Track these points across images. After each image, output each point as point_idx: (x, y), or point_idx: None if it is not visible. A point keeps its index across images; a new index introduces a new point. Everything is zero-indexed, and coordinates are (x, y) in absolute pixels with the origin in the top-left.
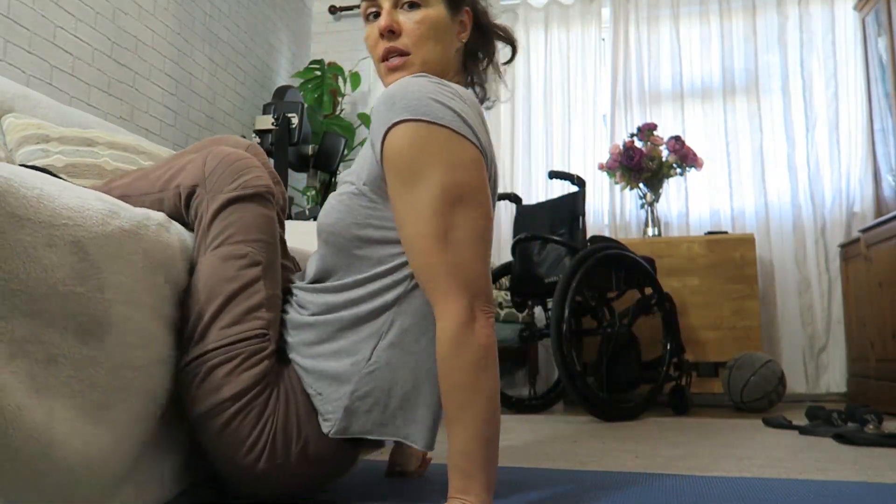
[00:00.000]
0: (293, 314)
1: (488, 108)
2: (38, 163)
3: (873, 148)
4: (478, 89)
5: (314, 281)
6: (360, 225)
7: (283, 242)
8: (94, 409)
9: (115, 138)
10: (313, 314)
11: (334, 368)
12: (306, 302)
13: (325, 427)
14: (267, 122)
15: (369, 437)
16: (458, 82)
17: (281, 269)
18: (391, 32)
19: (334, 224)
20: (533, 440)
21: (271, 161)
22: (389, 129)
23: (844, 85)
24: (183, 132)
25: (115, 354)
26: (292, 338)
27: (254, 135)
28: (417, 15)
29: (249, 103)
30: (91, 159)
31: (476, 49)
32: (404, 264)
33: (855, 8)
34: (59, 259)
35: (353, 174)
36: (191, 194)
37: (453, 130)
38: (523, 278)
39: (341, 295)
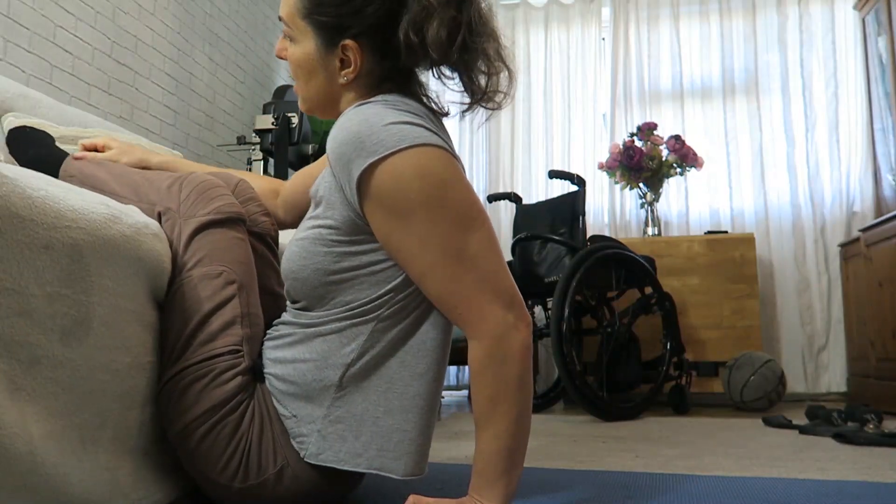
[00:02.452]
0: (281, 330)
1: (446, 115)
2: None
3: (873, 147)
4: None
5: (291, 300)
6: (327, 271)
7: (279, 272)
8: (63, 411)
9: (115, 137)
10: (291, 333)
11: (307, 390)
12: (287, 319)
13: (301, 451)
14: (267, 121)
15: (343, 467)
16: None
17: (279, 297)
18: (283, 59)
19: (297, 271)
20: (533, 440)
21: (271, 162)
22: (366, 170)
23: (844, 84)
24: (183, 132)
25: (91, 357)
26: (271, 353)
27: (254, 134)
28: (290, 53)
29: (249, 103)
30: None
31: (408, 68)
32: (377, 299)
33: (855, 7)
34: (53, 261)
35: (318, 217)
36: (161, 214)
37: (428, 145)
38: (523, 278)
39: (312, 321)
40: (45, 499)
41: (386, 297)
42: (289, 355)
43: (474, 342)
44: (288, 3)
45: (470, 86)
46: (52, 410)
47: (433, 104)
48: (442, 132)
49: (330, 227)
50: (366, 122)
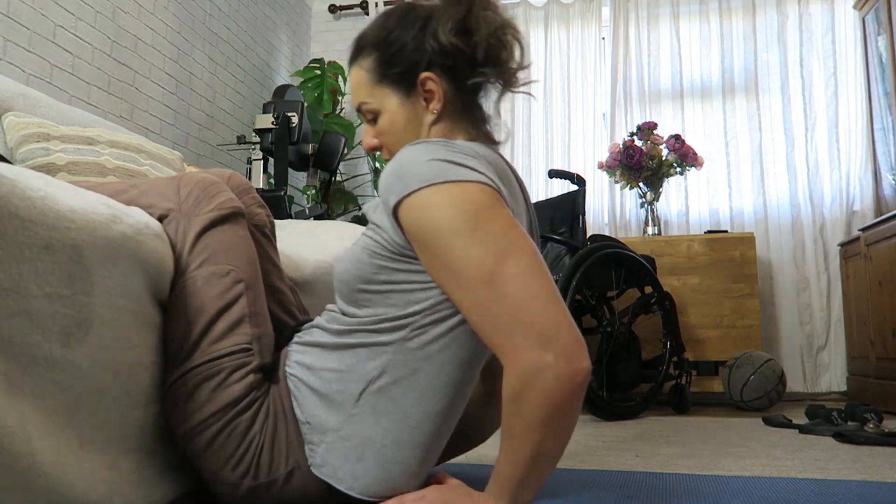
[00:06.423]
0: (314, 335)
1: (499, 137)
2: (39, 161)
3: (873, 147)
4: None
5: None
6: (364, 279)
7: (278, 266)
8: (62, 411)
9: (115, 137)
10: (323, 342)
11: (328, 400)
12: (322, 323)
13: (308, 458)
14: (267, 120)
15: (338, 486)
16: (460, 134)
17: (278, 292)
18: (376, 149)
19: (341, 273)
20: None
21: (271, 162)
22: (398, 203)
23: (844, 84)
24: (183, 131)
25: (91, 357)
26: (298, 357)
27: (254, 134)
28: (379, 126)
29: (249, 102)
30: (92, 157)
31: (477, 87)
32: (404, 317)
33: (855, 7)
34: (53, 262)
35: (371, 230)
36: (163, 216)
37: (463, 182)
38: None
39: (343, 328)
40: (44, 498)
41: (412, 318)
42: (318, 363)
43: (506, 370)
44: (359, 84)
45: (502, 73)
46: (50, 410)
47: (487, 130)
48: (488, 169)
49: (378, 242)
50: (411, 157)
